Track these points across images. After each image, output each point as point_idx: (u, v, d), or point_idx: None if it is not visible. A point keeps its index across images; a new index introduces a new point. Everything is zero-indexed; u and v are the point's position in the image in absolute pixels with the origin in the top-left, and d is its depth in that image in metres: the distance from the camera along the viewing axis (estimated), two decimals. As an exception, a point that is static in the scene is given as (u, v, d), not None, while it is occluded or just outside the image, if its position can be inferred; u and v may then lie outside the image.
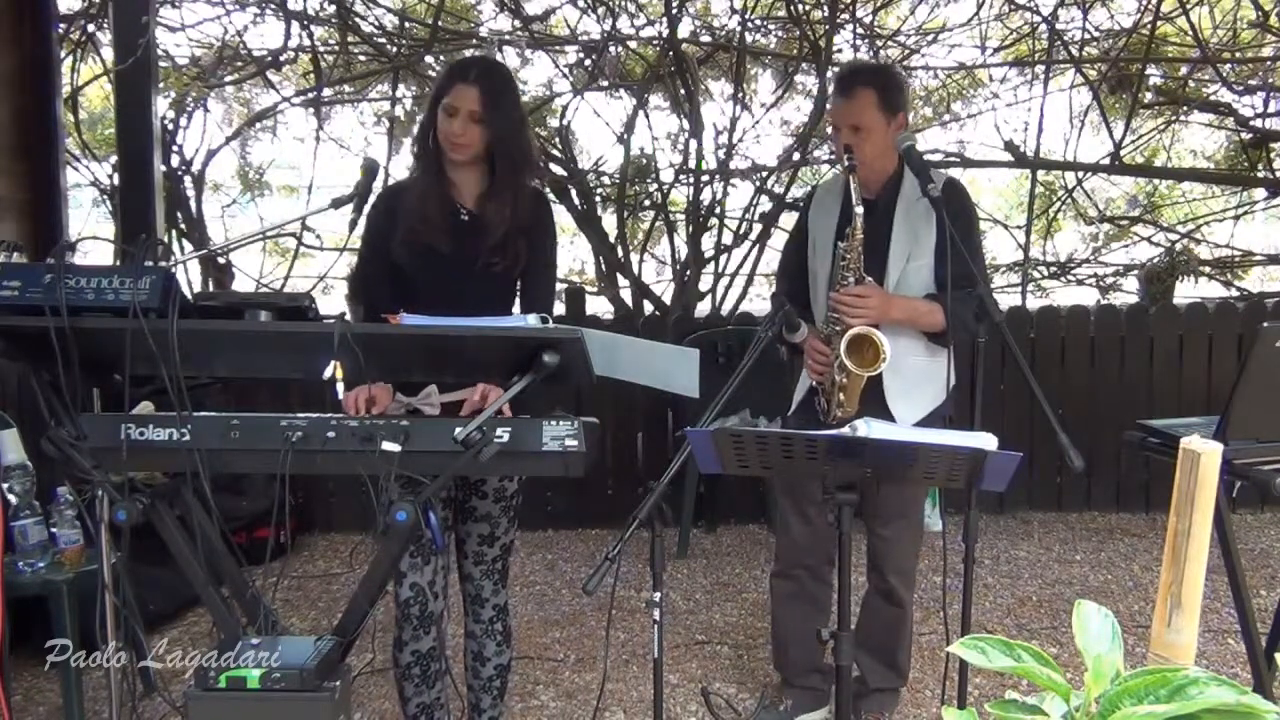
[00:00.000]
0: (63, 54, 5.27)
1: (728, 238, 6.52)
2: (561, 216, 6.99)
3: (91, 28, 5.92)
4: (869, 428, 2.02)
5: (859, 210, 2.74)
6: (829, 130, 3.03)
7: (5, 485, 2.99)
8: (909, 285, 2.84)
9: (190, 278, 6.44)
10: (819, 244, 2.99)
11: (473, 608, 2.71)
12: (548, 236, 2.69)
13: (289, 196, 7.48)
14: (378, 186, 2.55)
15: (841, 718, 2.21)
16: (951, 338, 2.79)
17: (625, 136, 6.42)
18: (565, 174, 6.57)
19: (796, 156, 6.47)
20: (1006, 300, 6.79)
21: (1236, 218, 7.46)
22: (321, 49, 6.50)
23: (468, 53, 6.21)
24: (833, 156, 6.73)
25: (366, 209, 2.51)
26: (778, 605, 3.21)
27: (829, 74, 6.34)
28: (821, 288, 2.94)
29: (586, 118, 12.18)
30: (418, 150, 2.63)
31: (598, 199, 6.76)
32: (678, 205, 6.82)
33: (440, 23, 6.22)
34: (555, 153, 6.59)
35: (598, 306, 6.54)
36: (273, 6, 6.17)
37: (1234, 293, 7.05)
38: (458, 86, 2.50)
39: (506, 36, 6.17)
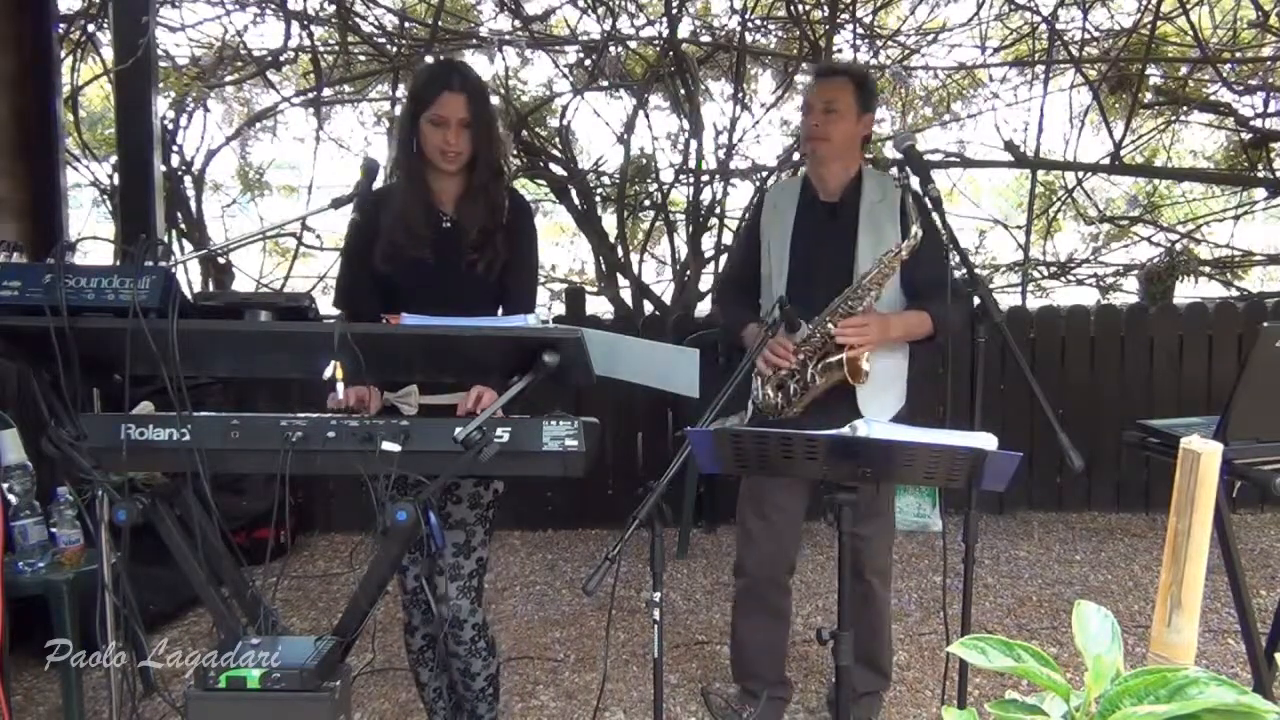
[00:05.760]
0: (63, 54, 5.27)
1: (728, 238, 6.51)
2: (561, 216, 7.00)
3: (91, 28, 5.92)
4: (869, 428, 2.02)
5: (916, 230, 2.69)
6: (803, 116, 3.07)
7: (5, 485, 2.99)
8: (884, 295, 2.85)
9: (190, 278, 6.44)
10: (773, 247, 3.00)
11: (453, 630, 2.60)
12: (526, 235, 2.67)
13: (289, 196, 7.47)
14: (375, 187, 2.54)
15: (841, 718, 2.21)
16: (941, 343, 2.92)
17: (625, 136, 6.41)
18: (565, 174, 6.57)
19: (796, 156, 6.47)
20: (1006, 300, 6.79)
21: (1236, 218, 7.45)
22: (321, 49, 6.50)
23: (468, 54, 6.21)
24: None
25: (349, 218, 2.50)
26: (741, 616, 3.20)
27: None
28: (778, 289, 2.95)
29: (586, 118, 12.16)
30: (401, 161, 2.58)
31: (598, 199, 6.76)
32: (678, 205, 6.82)
33: (440, 23, 6.22)
34: (555, 153, 6.59)
35: (598, 306, 6.54)
36: (273, 6, 6.16)
37: (1234, 293, 7.05)
38: (444, 96, 2.46)
39: (506, 36, 6.17)
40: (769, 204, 3.10)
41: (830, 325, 2.78)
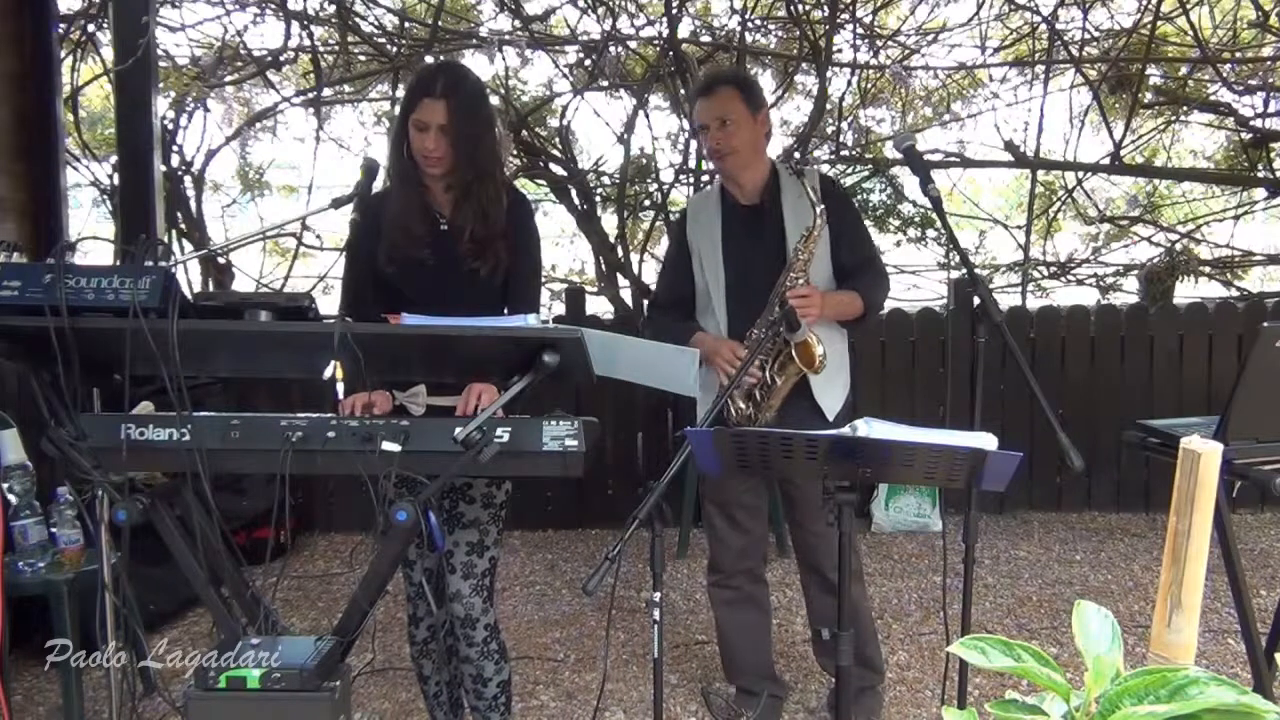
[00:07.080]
0: (63, 54, 5.27)
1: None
2: (561, 216, 6.99)
3: (91, 28, 5.92)
4: (869, 427, 2.02)
5: (820, 209, 2.78)
6: (700, 136, 3.07)
7: (5, 485, 2.99)
8: (813, 279, 2.88)
9: (190, 278, 6.44)
10: (705, 259, 3.00)
11: (464, 631, 2.58)
12: (529, 239, 2.67)
13: (289, 196, 7.47)
14: (376, 187, 2.55)
15: (841, 718, 2.21)
16: (870, 322, 3.01)
17: (625, 136, 6.41)
18: (565, 174, 6.57)
19: (797, 156, 6.47)
20: (1006, 300, 6.79)
21: (1236, 218, 7.46)
22: (321, 49, 6.50)
23: (468, 54, 6.21)
24: (831, 156, 6.80)
25: (350, 220, 2.51)
26: (722, 616, 3.23)
27: (829, 74, 6.36)
28: (717, 297, 2.97)
29: (586, 118, 12.21)
30: (393, 163, 2.60)
31: (598, 199, 6.76)
32: (678, 205, 6.82)
33: (440, 23, 6.22)
34: (555, 153, 6.59)
35: (598, 306, 6.54)
36: (273, 6, 6.16)
37: (1234, 293, 7.05)
38: (424, 102, 2.47)
39: (506, 36, 6.16)
40: (691, 218, 3.10)
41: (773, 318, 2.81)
